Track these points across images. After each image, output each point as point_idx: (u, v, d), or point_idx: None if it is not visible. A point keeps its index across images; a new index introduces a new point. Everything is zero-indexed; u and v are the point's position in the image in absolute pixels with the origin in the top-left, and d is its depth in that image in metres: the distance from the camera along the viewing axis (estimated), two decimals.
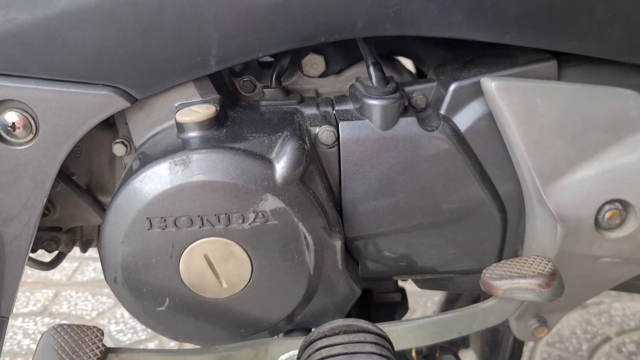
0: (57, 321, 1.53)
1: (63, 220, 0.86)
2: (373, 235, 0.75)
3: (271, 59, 0.87)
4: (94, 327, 0.64)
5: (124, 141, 0.74)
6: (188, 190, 0.63)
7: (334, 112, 0.73)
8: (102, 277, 1.75)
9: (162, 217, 0.64)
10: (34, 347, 1.45)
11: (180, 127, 0.68)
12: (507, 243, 0.79)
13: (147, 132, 0.72)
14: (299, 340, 0.70)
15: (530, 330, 0.85)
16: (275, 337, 0.74)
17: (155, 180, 0.63)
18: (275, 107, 0.75)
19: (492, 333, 1.03)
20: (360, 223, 0.73)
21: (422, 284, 0.90)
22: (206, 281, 0.67)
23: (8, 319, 0.79)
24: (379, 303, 0.92)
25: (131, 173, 0.66)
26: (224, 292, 0.68)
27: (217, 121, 0.68)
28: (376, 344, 0.57)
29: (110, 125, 0.81)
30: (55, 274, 1.73)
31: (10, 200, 0.71)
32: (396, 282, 0.91)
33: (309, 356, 0.57)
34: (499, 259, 0.79)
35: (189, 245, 0.65)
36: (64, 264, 1.75)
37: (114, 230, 0.65)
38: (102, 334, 0.63)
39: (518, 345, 1.02)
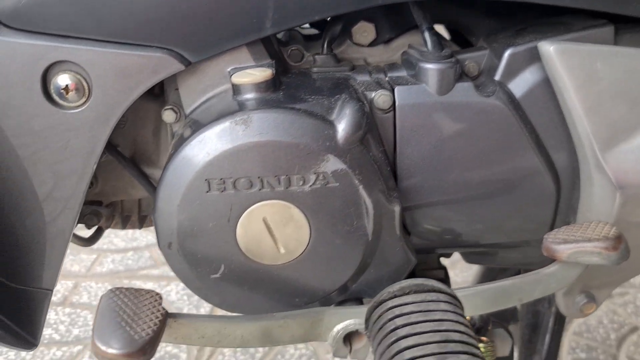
0: (78, 311, 1.51)
1: (105, 194, 0.84)
2: (426, 204, 0.73)
3: (314, 31, 0.86)
4: (152, 291, 0.62)
5: (174, 108, 0.72)
6: (248, 150, 0.62)
7: (387, 78, 0.72)
8: (121, 268, 1.73)
9: (221, 179, 0.63)
10: (55, 336, 1.43)
11: (236, 89, 0.66)
12: (559, 214, 0.77)
13: (199, 97, 0.71)
14: (355, 310, 0.68)
15: (578, 307, 0.84)
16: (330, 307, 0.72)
17: (215, 140, 0.62)
18: (327, 74, 0.74)
19: (533, 315, 1.01)
20: (413, 191, 0.72)
21: (468, 258, 0.88)
22: (263, 246, 0.65)
23: (52, 291, 0.77)
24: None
25: (187, 135, 0.65)
26: (280, 258, 0.66)
27: (273, 84, 0.67)
28: (449, 302, 0.55)
29: (155, 96, 0.79)
30: (73, 265, 1.71)
31: (60, 166, 0.69)
32: (439, 258, 0.89)
33: (380, 316, 0.55)
34: (550, 230, 0.78)
35: (247, 208, 0.64)
36: (82, 255, 1.73)
37: (170, 194, 0.64)
38: (161, 297, 0.62)
39: (558, 328, 1.01)
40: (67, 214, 0.72)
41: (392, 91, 0.69)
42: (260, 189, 0.63)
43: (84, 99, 0.67)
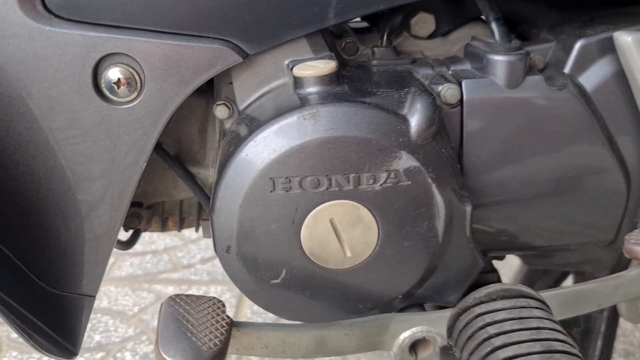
0: (99, 316, 1.47)
1: (146, 195, 0.80)
2: (492, 202, 0.70)
3: (364, 24, 0.83)
4: (214, 298, 0.58)
5: (227, 103, 0.68)
6: (317, 147, 0.58)
7: (450, 72, 0.68)
8: (140, 272, 1.69)
9: (286, 178, 0.59)
10: None
11: (298, 82, 0.63)
12: (627, 214, 0.74)
13: (254, 92, 0.67)
14: (422, 317, 0.65)
15: None
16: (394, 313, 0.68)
17: (282, 136, 0.58)
18: (388, 67, 0.70)
19: (585, 319, 0.97)
20: (480, 189, 0.68)
21: (527, 260, 0.85)
22: (329, 249, 0.61)
23: (94, 298, 0.73)
24: (474, 284, 0.87)
25: (246, 133, 0.61)
26: (346, 262, 0.62)
27: (336, 77, 0.63)
28: (541, 308, 0.51)
29: (202, 91, 0.76)
30: None
31: (109, 165, 0.65)
32: (491, 261, 0.85)
33: (468, 323, 0.51)
34: (618, 231, 0.74)
35: (313, 208, 0.60)
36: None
37: (231, 194, 0.60)
38: (223, 305, 0.58)
39: (610, 332, 0.97)
40: (113, 216, 0.68)
41: (459, 85, 0.65)
42: (327, 188, 0.59)
43: (135, 94, 0.63)
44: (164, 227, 0.87)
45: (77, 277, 0.71)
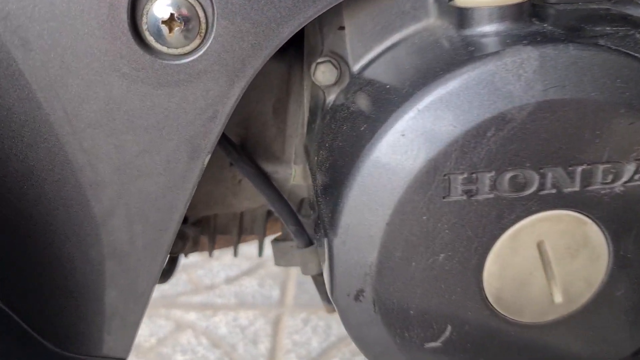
0: None
1: (193, 205, 0.55)
2: None
3: None
4: None
5: (333, 60, 0.44)
6: (528, 119, 0.33)
7: None
8: (156, 294, 1.43)
9: (471, 174, 0.34)
10: None
11: (467, 17, 0.38)
12: None
13: (378, 40, 0.43)
14: None
15: None
16: None
17: (463, 104, 0.34)
18: (578, 6, 0.45)
19: None
20: None
21: None
22: (527, 292, 0.37)
23: None
24: None
25: (382, 106, 0.37)
26: (551, 312, 0.38)
27: (529, 9, 0.39)
28: None
29: (281, 50, 0.51)
30: None
31: (153, 159, 0.41)
32: None
33: None
34: None
35: (512, 225, 0.35)
36: None
37: (369, 207, 0.35)
38: None
39: None
40: (156, 241, 0.44)
41: None
42: (538, 191, 0.35)
43: (197, 41, 0.38)
44: (212, 249, 0.62)
45: (101, 334, 0.46)
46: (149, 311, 1.36)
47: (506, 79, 0.33)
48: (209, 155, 0.42)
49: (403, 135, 0.34)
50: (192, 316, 1.36)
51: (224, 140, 0.49)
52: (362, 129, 0.37)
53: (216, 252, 1.52)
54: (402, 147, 0.34)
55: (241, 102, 0.52)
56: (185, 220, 0.57)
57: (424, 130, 0.34)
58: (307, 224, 0.53)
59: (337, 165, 0.39)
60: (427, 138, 0.34)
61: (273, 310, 1.40)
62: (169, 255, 0.60)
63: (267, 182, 0.51)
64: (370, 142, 0.35)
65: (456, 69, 0.34)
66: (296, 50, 0.51)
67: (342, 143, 0.39)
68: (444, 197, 0.35)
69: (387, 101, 0.37)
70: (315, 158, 0.44)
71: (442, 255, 0.36)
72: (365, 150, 0.35)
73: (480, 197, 0.35)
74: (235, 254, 0.62)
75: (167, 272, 0.61)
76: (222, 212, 0.58)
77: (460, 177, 0.34)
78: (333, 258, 0.37)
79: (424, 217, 0.35)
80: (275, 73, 0.51)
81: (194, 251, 0.59)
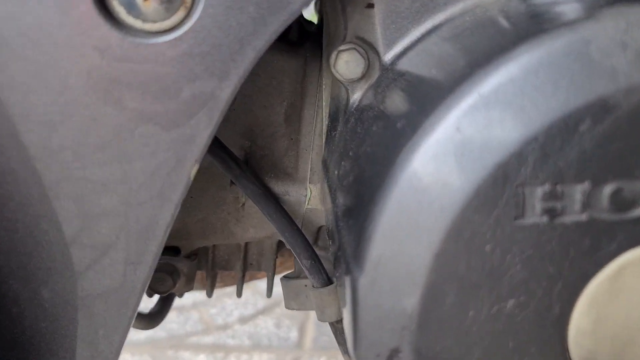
0: None
1: (186, 233, 0.46)
2: None
3: None
4: None
5: (359, 48, 0.34)
6: (638, 107, 0.23)
7: None
8: (164, 334, 1.33)
9: (555, 186, 0.24)
10: None
11: None
12: None
13: (414, 25, 0.33)
14: None
15: None
16: None
17: (541, 86, 0.24)
18: None
19: None
20: None
21: None
22: (626, 355, 0.26)
23: None
24: None
25: (424, 101, 0.27)
26: None
27: None
28: None
29: (292, 44, 0.42)
30: None
31: (123, 173, 0.31)
32: None
33: None
34: None
35: (614, 259, 0.25)
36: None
37: (404, 236, 0.25)
38: None
39: None
40: (128, 276, 0.34)
41: None
42: None
43: (181, 14, 0.29)
44: (213, 286, 0.52)
45: None
46: (154, 352, 1.27)
47: (607, 50, 0.23)
48: (197, 166, 0.32)
49: (458, 130, 0.24)
50: (202, 358, 1.25)
51: (222, 153, 0.40)
52: (399, 126, 0.27)
53: (229, 289, 1.41)
54: (457, 148, 0.24)
55: (245, 107, 0.43)
56: (176, 252, 0.47)
57: (489, 124, 0.24)
58: (325, 257, 0.43)
59: (364, 178, 0.29)
60: (493, 135, 0.24)
61: (290, 353, 1.30)
62: (158, 295, 0.51)
63: (276, 205, 0.41)
64: (410, 143, 0.25)
65: (532, 40, 0.24)
66: (313, 44, 0.42)
67: (371, 148, 0.30)
68: (516, 219, 0.24)
69: (434, 91, 0.28)
70: (336, 172, 0.34)
71: (511, 301, 0.25)
72: (404, 155, 0.26)
73: (567, 219, 0.24)
74: (239, 294, 0.52)
75: (156, 315, 0.51)
76: (222, 243, 0.48)
77: (540, 190, 0.24)
78: (358, 303, 0.27)
79: (488, 247, 0.25)
80: (287, 71, 0.42)
81: (188, 290, 0.49)
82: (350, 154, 0.32)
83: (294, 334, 1.33)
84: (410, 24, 0.34)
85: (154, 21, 0.29)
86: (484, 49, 0.27)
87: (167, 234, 0.35)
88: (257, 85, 0.42)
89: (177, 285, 0.47)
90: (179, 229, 0.46)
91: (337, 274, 0.33)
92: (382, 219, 0.25)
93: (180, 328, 1.35)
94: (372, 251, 0.26)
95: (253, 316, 1.37)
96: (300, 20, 0.44)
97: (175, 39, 0.30)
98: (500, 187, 0.24)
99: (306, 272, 0.41)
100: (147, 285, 0.36)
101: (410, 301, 0.26)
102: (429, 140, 0.25)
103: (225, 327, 1.35)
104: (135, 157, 0.32)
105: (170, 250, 0.48)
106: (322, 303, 0.42)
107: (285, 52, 0.42)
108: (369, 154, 0.29)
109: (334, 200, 0.33)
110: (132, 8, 0.29)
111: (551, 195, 0.24)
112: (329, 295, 0.41)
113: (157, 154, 0.32)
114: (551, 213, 0.24)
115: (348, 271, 0.28)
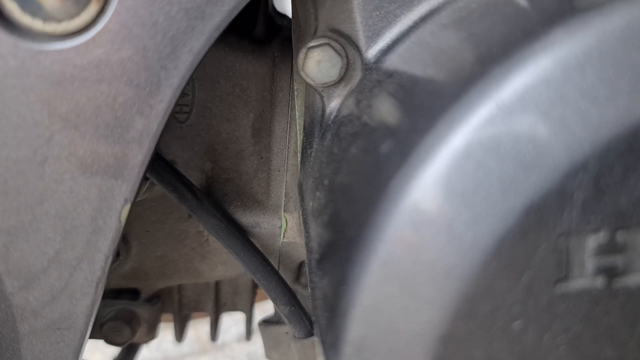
0: None
1: (144, 273, 0.38)
2: None
3: None
4: None
5: (334, 42, 0.26)
6: None
7: None
8: (159, 356, 1.26)
9: (616, 233, 0.16)
10: None
11: None
12: None
13: (403, 12, 0.26)
14: None
15: None
16: None
17: (593, 82, 0.16)
18: None
19: None
20: None
21: None
22: None
23: None
24: None
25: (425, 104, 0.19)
26: None
27: None
28: None
29: (259, 43, 0.34)
30: (94, 353, 1.24)
31: (40, 196, 0.24)
32: None
33: None
34: None
35: None
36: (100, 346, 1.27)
37: (397, 308, 0.18)
38: None
39: None
40: (61, 342, 0.26)
41: None
42: None
43: (93, 10, 0.22)
44: (182, 332, 0.45)
45: None
46: None
47: None
48: (128, 205, 0.25)
49: (468, 157, 0.17)
50: None
51: (175, 180, 0.32)
52: (384, 149, 0.20)
53: None
54: (468, 183, 0.17)
55: (204, 121, 0.35)
56: (135, 295, 0.40)
57: (514, 147, 0.16)
58: (308, 300, 0.35)
59: (340, 221, 0.21)
60: (521, 163, 0.16)
61: None
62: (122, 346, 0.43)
63: (243, 241, 0.33)
64: (400, 175, 0.18)
65: (572, 21, 0.17)
66: (283, 41, 0.35)
67: (349, 178, 0.22)
68: (557, 283, 0.17)
69: (432, 97, 0.20)
70: (310, 203, 0.26)
71: None
72: (390, 193, 0.18)
73: (633, 282, 0.17)
74: (213, 337, 0.45)
75: None
76: (189, 282, 0.40)
77: (593, 240, 0.16)
78: None
79: (516, 325, 0.17)
80: (253, 76, 0.34)
81: (152, 338, 0.41)
82: (325, 182, 0.24)
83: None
84: (399, 9, 0.26)
85: (59, 20, 0.22)
86: (500, 36, 0.20)
87: (101, 292, 0.27)
88: (217, 95, 0.34)
89: (137, 334, 0.40)
90: (135, 269, 0.38)
91: (316, 334, 0.26)
92: (363, 287, 0.18)
93: (176, 349, 1.27)
94: (351, 331, 0.18)
95: (252, 334, 1.30)
96: (269, 12, 0.37)
97: (87, 42, 0.22)
98: (533, 239, 0.16)
99: (285, 320, 0.34)
100: (87, 335, 0.28)
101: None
102: (425, 174, 0.17)
103: (222, 346, 1.28)
104: (48, 199, 0.24)
105: (127, 293, 0.40)
106: (305, 357, 0.34)
107: (250, 52, 0.34)
108: (346, 186, 0.22)
109: (308, 241, 0.26)
110: (27, 4, 0.21)
111: (609, 248, 0.16)
112: (312, 347, 0.34)
113: (75, 194, 0.24)
114: (610, 273, 0.17)
115: (324, 348, 0.20)
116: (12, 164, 0.24)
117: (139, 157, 0.24)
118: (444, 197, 0.17)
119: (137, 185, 0.25)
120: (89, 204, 0.25)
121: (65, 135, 0.23)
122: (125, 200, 0.25)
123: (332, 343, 0.19)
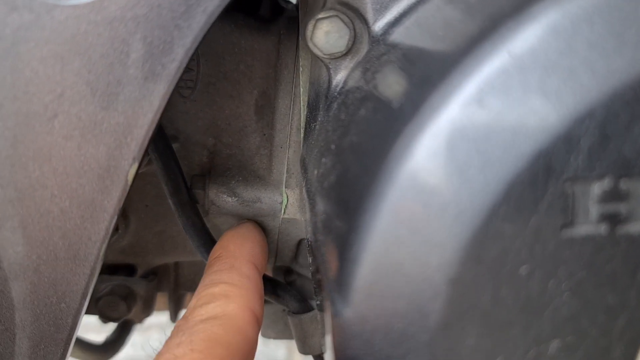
0: None
1: (142, 249, 0.38)
2: None
3: None
4: None
5: (342, 15, 0.27)
6: None
7: None
8: (144, 355, 1.26)
9: (619, 180, 0.17)
10: None
11: None
12: None
13: None
14: None
15: None
16: None
17: (609, 29, 0.17)
18: None
19: None
20: None
21: None
22: None
23: None
24: None
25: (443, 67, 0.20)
26: None
27: None
28: None
29: (264, 21, 0.35)
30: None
31: (38, 167, 0.24)
32: None
33: None
34: None
35: None
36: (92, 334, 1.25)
37: (406, 254, 0.18)
38: None
39: None
40: (59, 308, 0.27)
41: None
42: None
43: None
44: (177, 312, 0.45)
45: None
46: None
47: None
48: (136, 164, 0.25)
49: (481, 105, 0.17)
50: None
51: (167, 156, 0.32)
52: (396, 105, 0.20)
53: None
54: (479, 130, 0.17)
55: (208, 97, 0.36)
56: (131, 272, 0.40)
57: (524, 95, 0.17)
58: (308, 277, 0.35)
59: (349, 177, 0.22)
60: (531, 110, 0.17)
61: None
62: (117, 322, 0.43)
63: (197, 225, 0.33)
64: (412, 125, 0.18)
65: None
66: (289, 20, 0.35)
67: (358, 137, 0.22)
68: (562, 229, 0.17)
69: (442, 60, 0.21)
70: (315, 172, 0.27)
71: (555, 342, 0.18)
72: (403, 142, 0.18)
73: (636, 229, 0.17)
74: (173, 317, 0.45)
75: (112, 345, 0.44)
76: (187, 259, 0.40)
77: (597, 187, 0.17)
78: (342, 348, 0.20)
79: (523, 269, 0.17)
80: (257, 53, 0.34)
81: (147, 315, 0.41)
82: (332, 147, 0.25)
83: (282, 352, 1.26)
84: None
85: None
86: (509, 1, 0.20)
87: (103, 253, 0.27)
88: (221, 71, 0.35)
89: (132, 311, 0.40)
90: (132, 244, 0.39)
91: (318, 302, 0.26)
92: (373, 233, 0.18)
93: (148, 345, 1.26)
94: (360, 278, 0.19)
95: None
96: None
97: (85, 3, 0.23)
98: (541, 184, 0.17)
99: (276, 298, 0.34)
100: (83, 311, 0.28)
101: (417, 344, 0.19)
102: (438, 121, 0.18)
103: None
104: (56, 156, 0.24)
105: (124, 269, 0.40)
106: (303, 333, 0.34)
107: (255, 29, 0.34)
108: (356, 145, 0.22)
109: (312, 207, 0.26)
110: None
111: (613, 195, 0.17)
112: (310, 323, 0.34)
113: (83, 151, 0.25)
114: (613, 220, 0.17)
115: (330, 302, 0.21)
116: (22, 119, 0.24)
117: (149, 115, 0.24)
118: (456, 142, 0.17)
119: (145, 144, 0.25)
120: (97, 162, 0.25)
121: (76, 92, 0.24)
122: (134, 159, 0.25)
123: (340, 292, 0.19)
